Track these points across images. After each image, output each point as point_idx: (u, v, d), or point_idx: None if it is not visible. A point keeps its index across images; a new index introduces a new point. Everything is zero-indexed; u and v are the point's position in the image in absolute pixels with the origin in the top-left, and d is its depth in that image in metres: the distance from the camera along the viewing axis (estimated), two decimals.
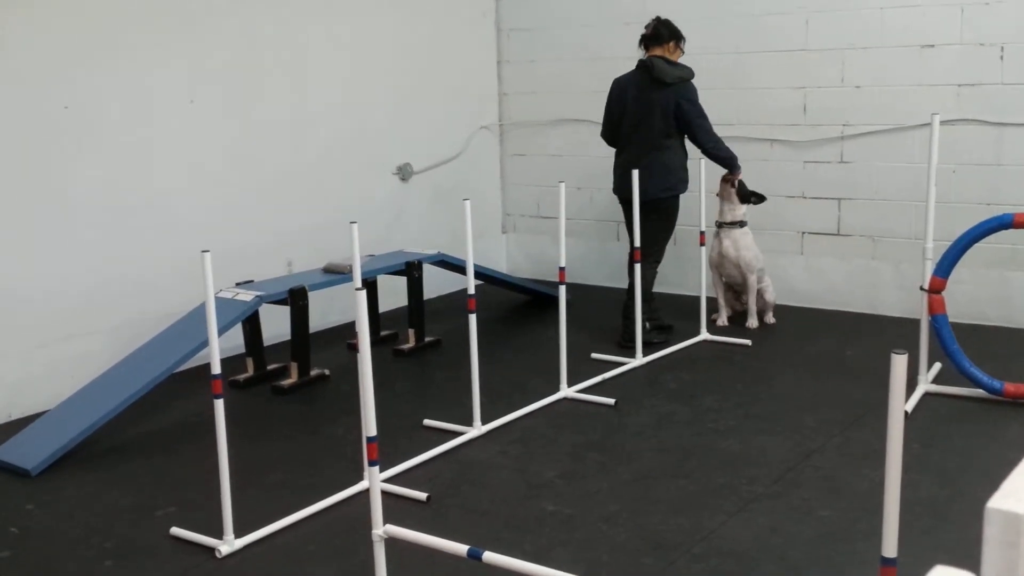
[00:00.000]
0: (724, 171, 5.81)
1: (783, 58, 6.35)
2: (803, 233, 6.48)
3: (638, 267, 5.23)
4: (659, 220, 5.50)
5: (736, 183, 5.85)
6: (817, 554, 3.19)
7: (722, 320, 6.04)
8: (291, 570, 3.20)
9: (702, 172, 5.63)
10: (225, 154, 5.61)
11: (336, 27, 6.21)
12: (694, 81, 5.47)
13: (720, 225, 5.91)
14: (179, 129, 5.36)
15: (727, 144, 5.65)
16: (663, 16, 5.62)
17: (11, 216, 4.66)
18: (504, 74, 7.58)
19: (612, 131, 5.70)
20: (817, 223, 6.42)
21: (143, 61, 5.15)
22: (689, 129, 5.45)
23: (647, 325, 5.54)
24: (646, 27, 5.53)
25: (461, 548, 2.71)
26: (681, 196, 5.64)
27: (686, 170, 5.58)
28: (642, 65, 5.49)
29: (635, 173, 5.08)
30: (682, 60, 5.59)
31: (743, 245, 5.86)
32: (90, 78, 4.93)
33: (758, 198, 5.97)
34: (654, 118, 5.42)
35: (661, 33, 5.48)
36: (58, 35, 4.79)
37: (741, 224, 5.89)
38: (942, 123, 4.75)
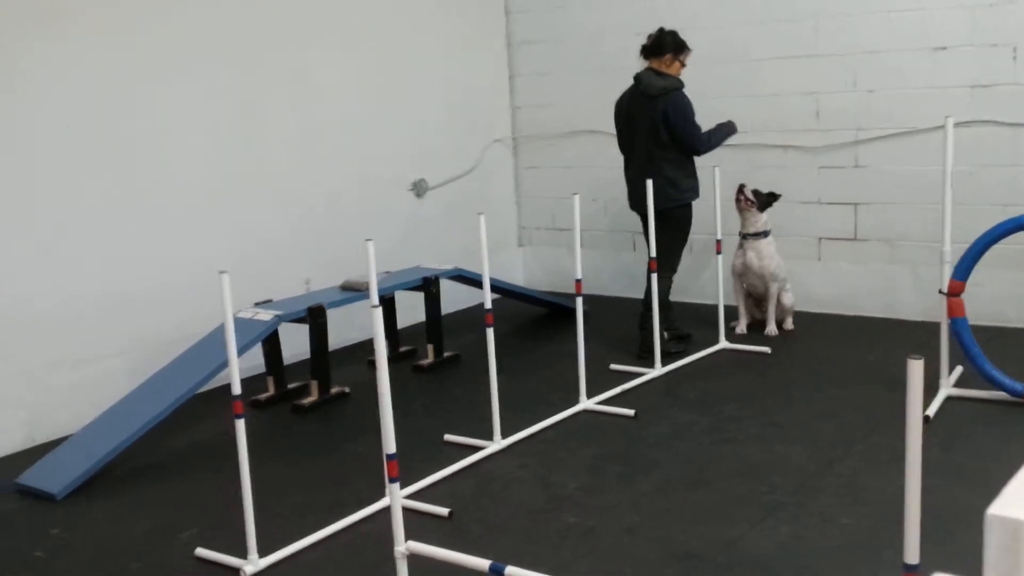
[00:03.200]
0: (738, 184, 5.93)
1: (794, 64, 6.35)
2: (820, 239, 6.47)
3: (654, 277, 5.23)
4: (669, 230, 5.49)
5: (743, 190, 5.90)
6: (840, 562, 3.17)
7: (741, 328, 6.04)
8: None
9: (716, 180, 5.62)
10: (241, 173, 5.65)
11: (349, 44, 6.26)
12: (685, 91, 5.47)
13: (744, 236, 5.95)
14: (196, 148, 5.41)
15: (718, 130, 5.64)
16: (670, 27, 5.63)
17: (28, 237, 4.72)
18: (516, 87, 7.61)
19: (621, 146, 5.80)
20: (834, 228, 6.40)
21: (162, 79, 5.20)
22: (681, 140, 5.46)
23: (665, 335, 5.55)
24: (648, 37, 5.54)
25: (483, 563, 2.71)
26: (695, 204, 5.64)
27: (693, 178, 5.58)
28: (635, 79, 5.56)
29: (649, 183, 5.10)
30: (687, 71, 5.60)
31: (767, 255, 5.89)
32: (103, 97, 4.98)
33: (774, 198, 5.99)
34: (647, 131, 5.48)
35: (664, 42, 5.49)
36: (65, 47, 4.84)
37: (765, 234, 5.92)
38: (957, 125, 4.73)
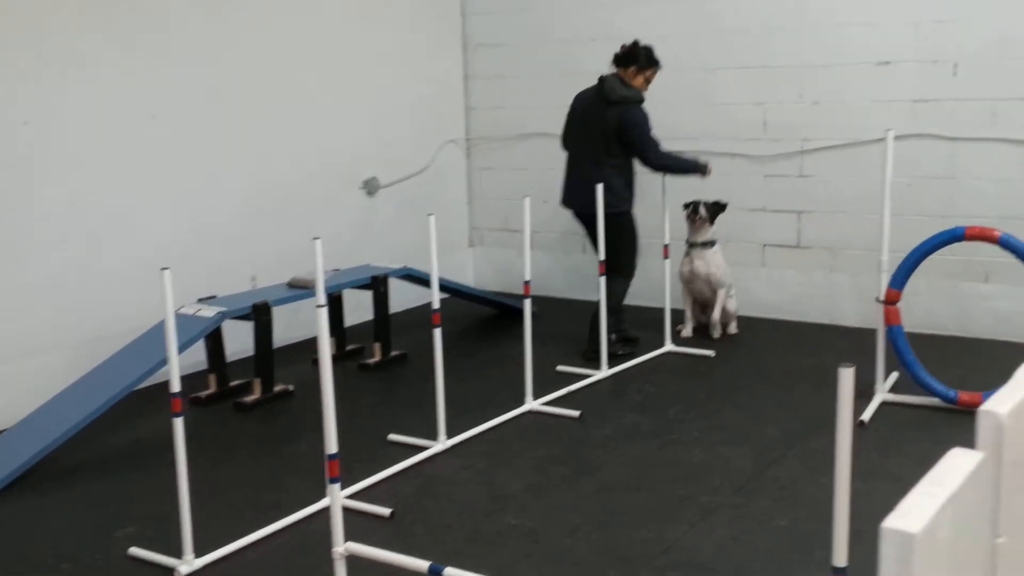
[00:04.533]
0: (691, 203, 5.99)
1: (746, 74, 6.44)
2: (764, 245, 6.56)
3: (602, 280, 5.26)
4: (613, 235, 5.42)
5: (699, 209, 5.97)
6: (776, 563, 3.23)
7: (687, 331, 6.13)
8: None
9: (663, 185, 5.68)
10: (188, 169, 5.59)
11: (302, 42, 6.21)
12: (644, 107, 5.51)
13: (692, 245, 6.04)
14: (141, 144, 5.33)
15: (682, 156, 5.68)
16: (625, 35, 5.69)
17: None
18: (471, 88, 7.61)
19: (565, 141, 5.83)
20: (778, 235, 6.50)
21: (105, 76, 5.13)
22: (634, 151, 5.50)
23: (613, 337, 5.59)
24: (622, 47, 5.58)
25: (423, 564, 2.72)
26: (645, 211, 5.71)
27: (629, 189, 5.62)
28: (599, 80, 5.57)
29: (599, 188, 5.13)
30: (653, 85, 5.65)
31: (714, 263, 6.00)
32: (50, 93, 4.90)
33: (721, 208, 6.07)
34: (597, 135, 5.49)
35: (634, 55, 5.52)
36: (17, 50, 4.76)
37: (712, 243, 6.02)
38: (897, 138, 4.83)
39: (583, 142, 5.62)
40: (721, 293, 6.03)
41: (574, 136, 5.72)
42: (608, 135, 5.46)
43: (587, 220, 5.35)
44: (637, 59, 5.51)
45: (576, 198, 5.65)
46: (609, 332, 5.46)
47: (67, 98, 4.97)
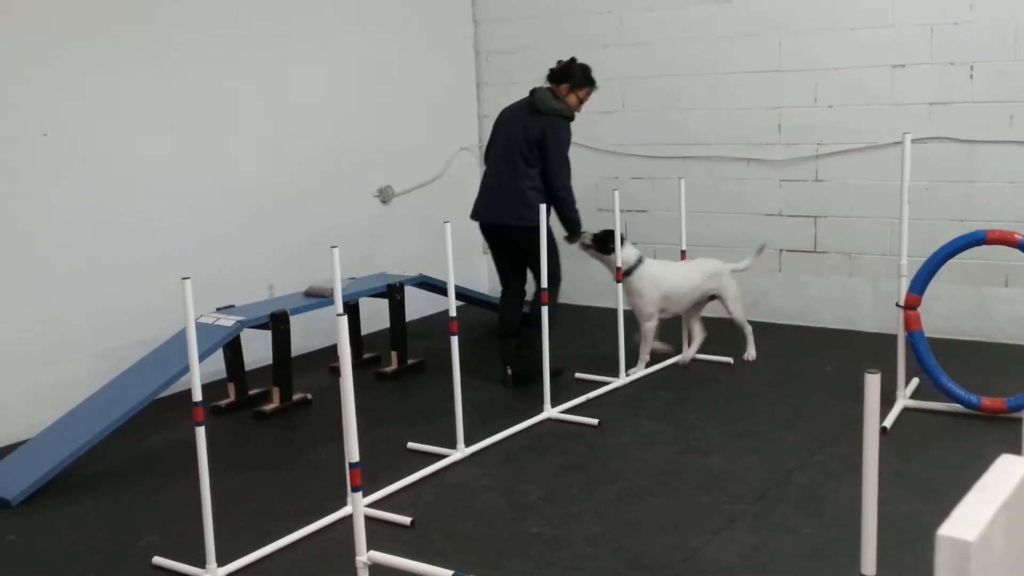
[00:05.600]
0: (581, 238, 5.51)
1: (758, 79, 6.43)
2: (780, 251, 6.54)
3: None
4: (529, 247, 4.98)
5: (589, 241, 5.51)
6: (800, 571, 3.21)
7: (638, 368, 5.52)
8: None
9: (681, 190, 5.65)
10: (205, 179, 5.61)
11: (316, 51, 6.24)
12: (572, 125, 5.27)
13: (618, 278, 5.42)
14: (159, 155, 5.36)
15: (576, 206, 5.33)
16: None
17: None
18: (483, 96, 7.62)
19: (486, 155, 5.55)
20: (794, 241, 6.48)
21: (123, 88, 5.15)
22: (545, 165, 5.18)
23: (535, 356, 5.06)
24: (558, 62, 5.34)
25: (446, 573, 2.71)
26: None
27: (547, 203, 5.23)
28: (531, 92, 5.34)
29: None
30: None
31: (633, 291, 5.47)
32: (69, 105, 4.93)
33: (609, 234, 5.40)
34: (521, 144, 5.20)
35: (569, 72, 5.28)
36: (37, 63, 4.79)
37: (628, 272, 5.42)
38: (914, 141, 4.82)
39: (504, 153, 5.28)
40: (646, 326, 5.49)
41: (495, 148, 5.40)
42: (531, 145, 5.17)
43: (495, 233, 5.05)
44: (571, 76, 5.27)
45: (487, 210, 5.33)
46: (535, 351, 5.01)
47: (85, 109, 5.00)
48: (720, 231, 6.70)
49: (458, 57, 7.47)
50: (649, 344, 5.54)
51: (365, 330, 6.04)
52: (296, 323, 5.18)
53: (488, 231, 5.45)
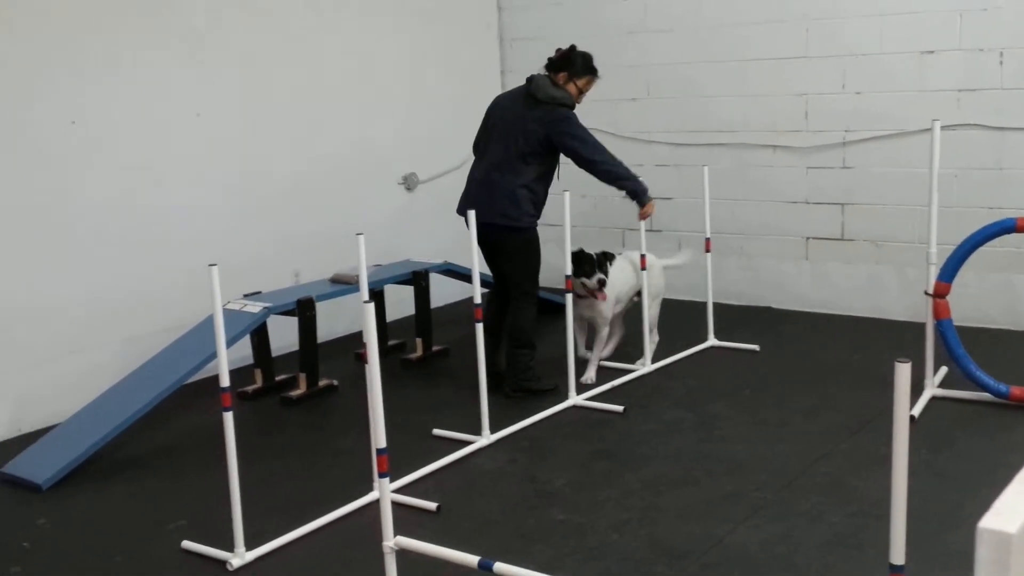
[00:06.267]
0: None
1: (784, 65, 6.37)
2: (807, 238, 6.50)
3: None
4: (514, 254, 4.87)
5: (586, 283, 5.04)
6: (826, 560, 3.20)
7: (588, 376, 5.20)
8: None
9: (705, 178, 5.62)
10: (232, 166, 5.64)
11: (341, 39, 6.25)
12: (576, 112, 4.90)
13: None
14: (186, 142, 5.39)
15: (631, 179, 4.98)
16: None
17: (19, 230, 4.69)
18: (507, 83, 7.59)
19: (476, 145, 5.11)
20: (821, 228, 6.44)
21: (150, 75, 5.18)
22: (568, 152, 4.82)
23: (528, 374, 4.93)
24: (557, 50, 4.96)
25: (472, 559, 2.72)
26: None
27: (535, 205, 4.90)
28: (527, 80, 4.95)
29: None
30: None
31: (598, 307, 5.17)
32: (97, 93, 4.96)
33: (603, 262, 5.16)
34: (516, 135, 4.79)
35: (568, 60, 4.89)
36: (66, 51, 4.82)
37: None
38: (943, 128, 4.76)
39: (497, 145, 4.87)
40: (604, 331, 5.22)
41: (488, 139, 4.98)
42: (529, 138, 4.76)
43: (480, 232, 4.49)
44: (571, 64, 4.88)
45: (472, 205, 4.71)
46: (523, 366, 4.88)
47: (113, 98, 5.03)
48: (745, 219, 6.66)
49: (483, 44, 7.46)
50: (602, 343, 5.25)
51: (390, 317, 6.06)
52: (322, 310, 5.20)
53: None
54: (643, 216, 5.10)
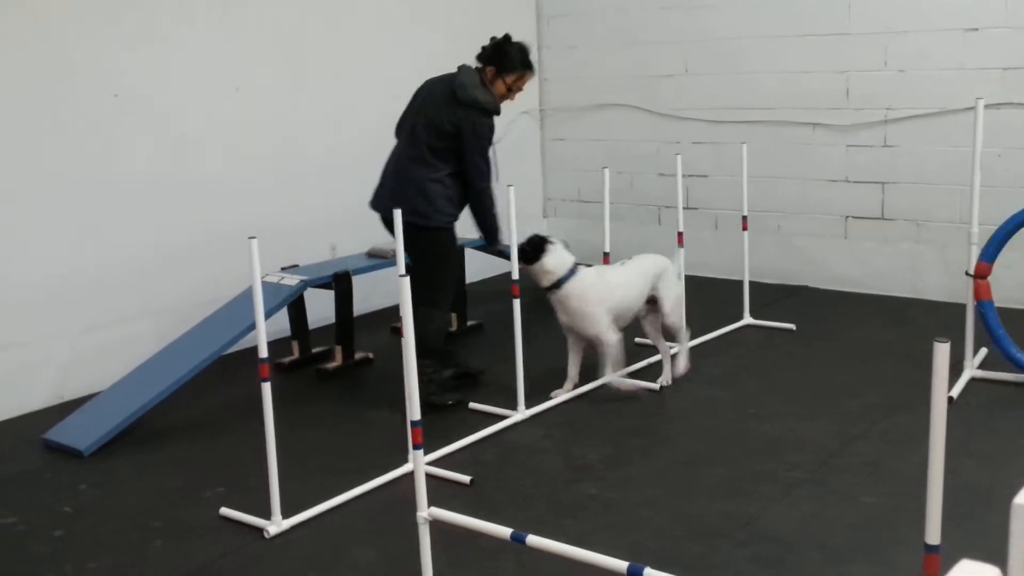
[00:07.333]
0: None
1: (824, 42, 6.29)
2: (846, 217, 6.43)
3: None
4: (425, 253, 4.39)
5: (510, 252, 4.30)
6: (860, 540, 3.19)
7: (563, 391, 4.67)
8: (337, 551, 3.26)
9: (744, 155, 5.57)
10: (269, 140, 5.68)
11: (377, 14, 6.25)
12: (495, 119, 4.45)
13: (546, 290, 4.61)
14: (225, 116, 5.44)
15: (495, 210, 4.52)
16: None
17: (60, 202, 4.77)
18: (544, 59, 7.57)
19: (397, 129, 4.66)
20: (861, 207, 6.37)
21: (190, 50, 5.23)
22: (463, 161, 4.38)
23: (432, 386, 4.49)
24: (491, 39, 4.50)
25: (505, 531, 2.74)
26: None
27: (455, 204, 4.45)
28: (458, 69, 4.49)
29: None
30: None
31: (570, 309, 4.54)
32: (138, 67, 5.01)
33: (539, 246, 4.53)
34: (430, 129, 4.39)
35: (504, 52, 4.42)
36: (108, 25, 4.87)
37: (557, 285, 4.51)
38: (987, 107, 4.68)
39: (413, 135, 4.46)
40: (611, 348, 4.53)
41: (407, 126, 4.55)
42: (443, 136, 4.35)
43: (391, 228, 4.09)
44: (503, 58, 4.41)
45: (384, 199, 4.45)
46: (425, 379, 4.24)
47: (154, 71, 5.09)
48: (783, 197, 6.61)
49: (519, 21, 7.42)
50: (618, 360, 4.60)
51: None
52: (358, 283, 5.24)
53: (387, 226, 4.42)
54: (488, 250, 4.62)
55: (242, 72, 5.49)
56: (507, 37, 4.47)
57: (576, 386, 4.68)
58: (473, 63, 4.47)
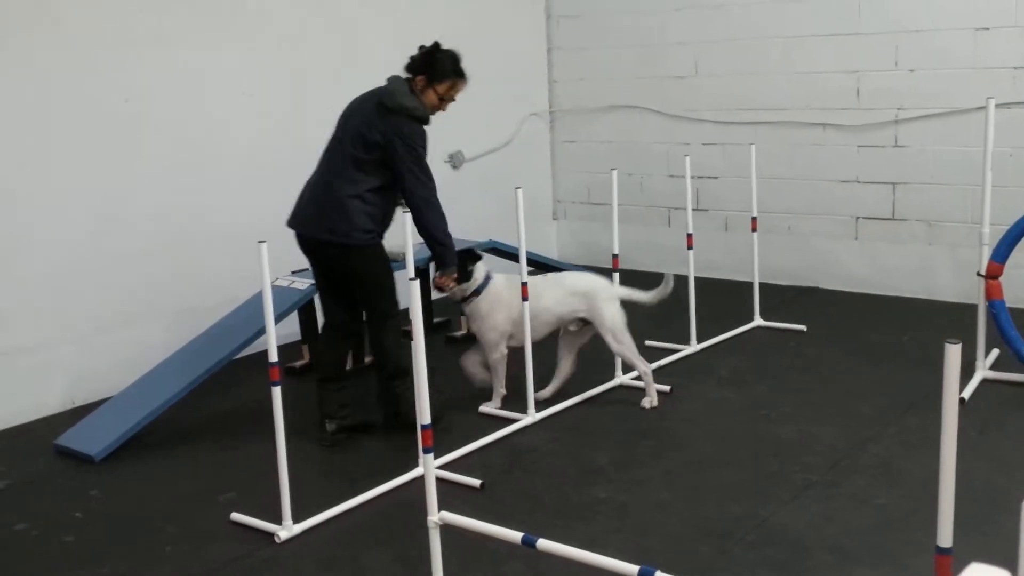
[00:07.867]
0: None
1: (835, 42, 6.27)
2: (857, 218, 6.41)
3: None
4: (358, 272, 4.17)
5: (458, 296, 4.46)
6: (871, 542, 3.18)
7: (547, 392, 4.64)
8: (348, 555, 3.26)
9: (752, 157, 5.55)
10: (279, 144, 5.68)
11: (385, 15, 6.26)
12: (426, 128, 4.22)
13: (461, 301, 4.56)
14: (234, 120, 5.45)
15: (447, 227, 4.26)
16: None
17: (72, 206, 4.79)
18: (554, 61, 7.58)
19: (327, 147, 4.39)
20: (871, 208, 6.34)
21: (200, 56, 5.25)
22: (399, 172, 4.11)
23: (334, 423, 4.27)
24: (420, 48, 4.36)
25: (515, 535, 2.73)
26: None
27: (377, 221, 4.16)
28: (387, 80, 4.34)
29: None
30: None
31: (477, 315, 4.49)
32: (149, 72, 5.04)
33: (473, 261, 4.53)
34: (355, 141, 4.15)
35: (433, 61, 4.28)
36: (119, 30, 4.89)
37: (476, 293, 4.49)
38: (998, 106, 4.66)
39: (336, 150, 4.24)
40: (492, 357, 4.49)
41: (330, 142, 4.34)
42: (370, 147, 4.11)
43: (309, 249, 4.15)
44: (432, 66, 4.25)
45: (300, 218, 4.23)
46: (408, 405, 3.94)
47: (165, 76, 5.11)
48: (793, 198, 6.59)
49: (529, 22, 7.43)
50: (502, 378, 4.54)
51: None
52: None
53: (303, 246, 4.25)
54: (437, 285, 4.38)
55: (251, 77, 5.51)
56: (436, 45, 4.32)
57: (565, 381, 4.65)
58: (403, 74, 4.29)
